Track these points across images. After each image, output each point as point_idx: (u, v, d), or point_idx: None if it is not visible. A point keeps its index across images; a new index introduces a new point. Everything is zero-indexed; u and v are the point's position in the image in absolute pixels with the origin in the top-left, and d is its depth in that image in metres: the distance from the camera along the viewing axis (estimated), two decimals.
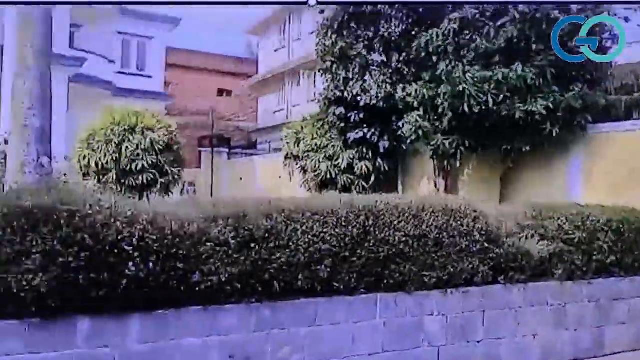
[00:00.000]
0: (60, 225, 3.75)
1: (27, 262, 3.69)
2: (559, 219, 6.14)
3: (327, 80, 12.55)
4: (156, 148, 12.65)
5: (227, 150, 25.72)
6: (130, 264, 3.92)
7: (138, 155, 12.45)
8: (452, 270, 5.36)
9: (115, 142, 12.34)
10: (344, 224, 4.82)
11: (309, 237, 4.67)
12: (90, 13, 18.01)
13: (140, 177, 12.45)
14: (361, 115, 11.74)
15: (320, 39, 12.58)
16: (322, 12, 12.19)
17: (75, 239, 3.78)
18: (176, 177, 13.28)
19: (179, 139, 13.41)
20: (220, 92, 32.05)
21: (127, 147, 12.37)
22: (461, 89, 9.32)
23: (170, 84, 25.49)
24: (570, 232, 6.11)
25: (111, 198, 4.14)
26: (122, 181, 12.36)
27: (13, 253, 3.69)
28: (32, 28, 5.16)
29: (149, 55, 22.71)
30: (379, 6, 11.10)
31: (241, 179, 22.72)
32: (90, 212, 3.88)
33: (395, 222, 5.10)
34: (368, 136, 11.83)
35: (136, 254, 3.96)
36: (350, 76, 11.91)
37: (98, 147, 12.42)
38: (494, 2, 6.66)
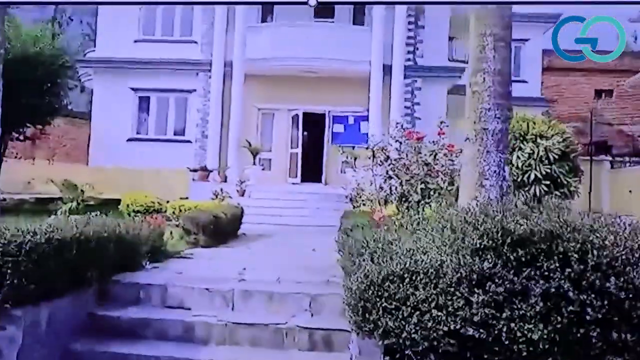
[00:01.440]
0: (568, 259, 2.77)
1: (521, 304, 2.84)
2: None
3: None
4: (550, 157, 11.35)
5: (609, 158, 22.56)
6: None
7: (530, 165, 11.37)
8: None
9: None
10: None
11: None
12: (466, 25, 17.84)
13: (532, 189, 11.31)
14: None
15: None
16: None
17: (588, 279, 2.75)
18: (572, 189, 11.67)
19: (575, 146, 11.80)
20: (598, 93, 28.37)
21: (517, 156, 11.39)
22: None
23: (546, 88, 23.63)
24: None
25: (620, 222, 2.97)
26: (514, 194, 11.42)
27: (504, 292, 2.87)
28: (490, 15, 4.49)
29: (523, 60, 21.37)
30: None
31: (630, 191, 19.56)
32: (605, 242, 2.79)
33: None
34: None
35: None
36: None
37: None
38: (494, 2, 4.49)
